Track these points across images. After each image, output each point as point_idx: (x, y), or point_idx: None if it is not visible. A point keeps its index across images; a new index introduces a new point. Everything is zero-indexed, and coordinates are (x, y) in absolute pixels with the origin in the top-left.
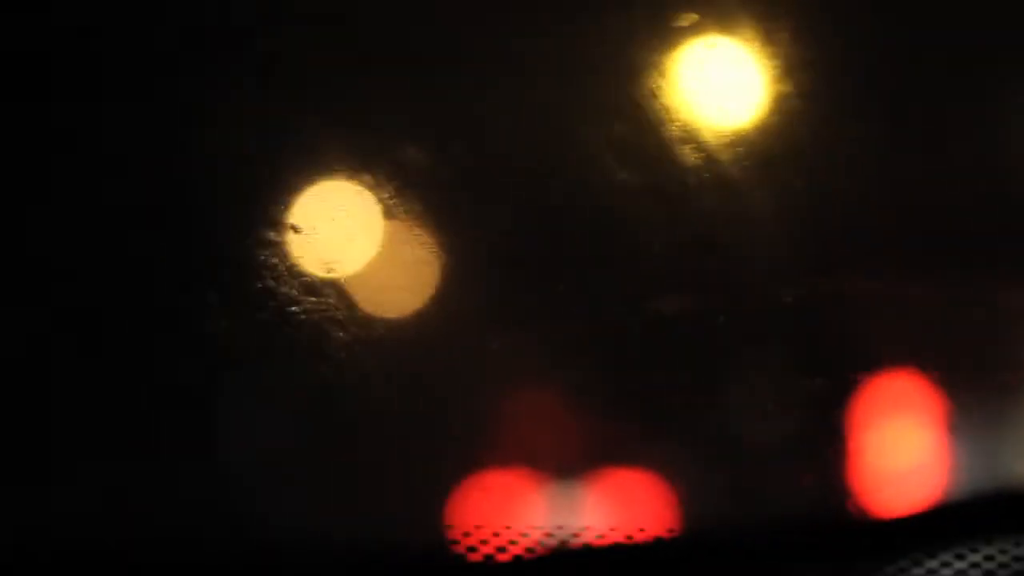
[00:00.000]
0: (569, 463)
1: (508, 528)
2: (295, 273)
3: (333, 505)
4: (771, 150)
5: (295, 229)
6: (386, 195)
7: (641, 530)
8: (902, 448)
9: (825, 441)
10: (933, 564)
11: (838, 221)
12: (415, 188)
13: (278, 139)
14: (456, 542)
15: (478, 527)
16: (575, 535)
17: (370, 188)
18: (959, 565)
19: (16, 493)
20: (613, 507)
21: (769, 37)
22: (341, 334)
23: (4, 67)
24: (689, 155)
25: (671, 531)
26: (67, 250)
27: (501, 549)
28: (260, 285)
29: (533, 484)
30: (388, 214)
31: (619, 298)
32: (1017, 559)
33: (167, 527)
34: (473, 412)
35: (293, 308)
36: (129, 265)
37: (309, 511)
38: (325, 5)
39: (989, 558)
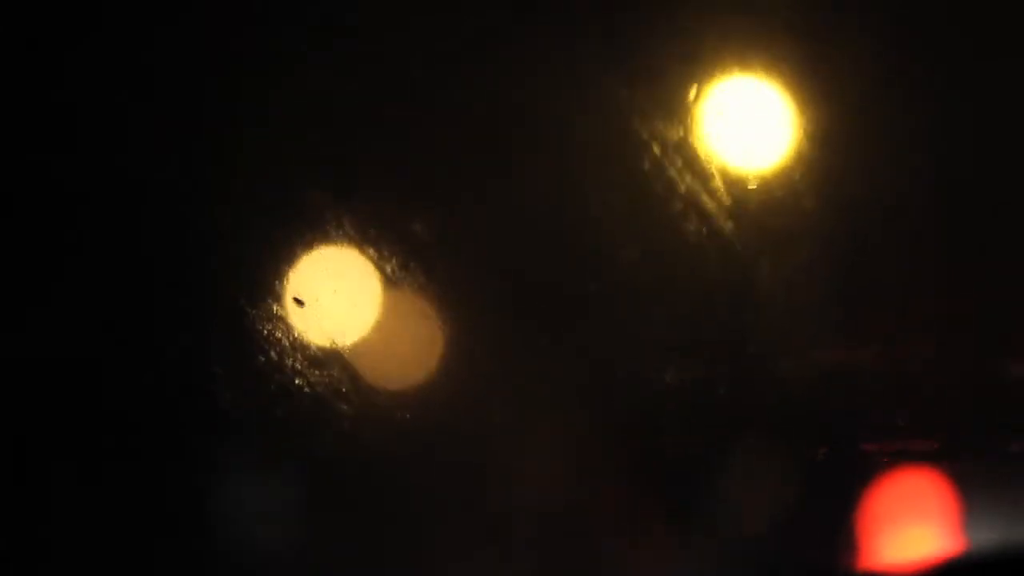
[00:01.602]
0: (571, 527)
1: None
2: (298, 345)
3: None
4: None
5: (298, 302)
6: (389, 267)
7: None
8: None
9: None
10: None
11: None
12: (418, 260)
13: (280, 211)
14: None
15: None
16: None
17: (372, 260)
18: None
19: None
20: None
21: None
22: (344, 406)
23: None
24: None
25: None
26: (74, 320)
27: None
28: (263, 358)
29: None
30: (391, 285)
31: (622, 369)
32: None
33: None
34: (476, 485)
35: (297, 380)
36: (133, 337)
37: None
38: (325, 76)
39: None
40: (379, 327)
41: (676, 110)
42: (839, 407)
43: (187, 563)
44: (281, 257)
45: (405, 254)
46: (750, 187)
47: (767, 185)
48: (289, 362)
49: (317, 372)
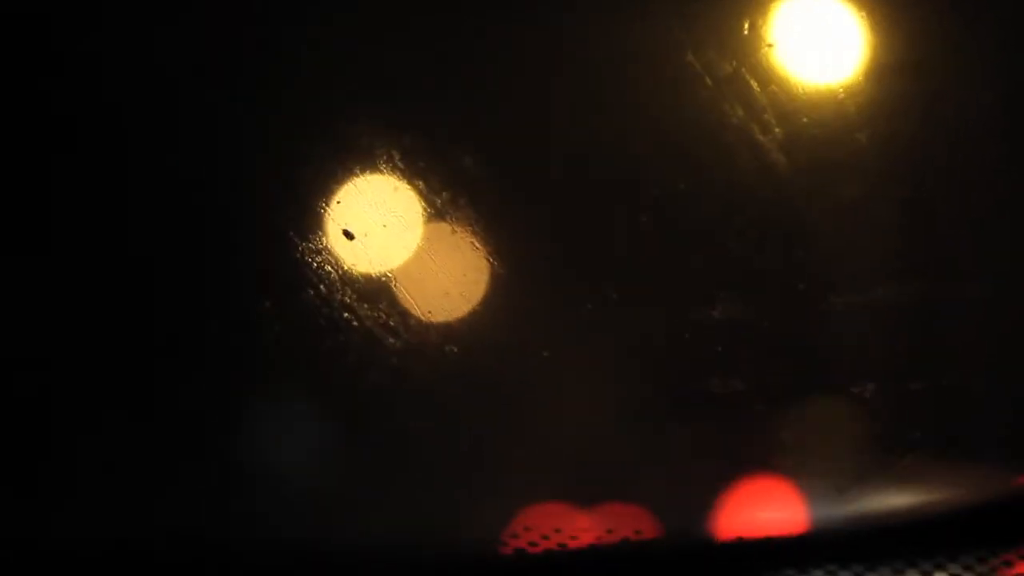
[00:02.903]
0: (620, 468)
1: (558, 531)
2: (347, 279)
3: (383, 510)
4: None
5: (347, 235)
6: (439, 200)
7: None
8: None
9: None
10: None
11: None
12: (468, 193)
13: (329, 144)
14: (506, 544)
15: (527, 528)
16: (623, 538)
17: (422, 193)
18: None
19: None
20: (665, 512)
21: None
22: (393, 340)
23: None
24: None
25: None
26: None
27: (550, 551)
28: (312, 291)
29: (584, 489)
30: (440, 219)
31: (677, 302)
32: None
33: (214, 537)
34: (525, 420)
35: (345, 314)
36: (180, 271)
37: (361, 518)
38: (376, 12)
39: None
40: (428, 261)
41: (729, 42)
42: (888, 344)
43: (232, 499)
44: (330, 190)
45: (455, 187)
46: (804, 120)
47: (821, 119)
48: (337, 296)
49: (366, 306)
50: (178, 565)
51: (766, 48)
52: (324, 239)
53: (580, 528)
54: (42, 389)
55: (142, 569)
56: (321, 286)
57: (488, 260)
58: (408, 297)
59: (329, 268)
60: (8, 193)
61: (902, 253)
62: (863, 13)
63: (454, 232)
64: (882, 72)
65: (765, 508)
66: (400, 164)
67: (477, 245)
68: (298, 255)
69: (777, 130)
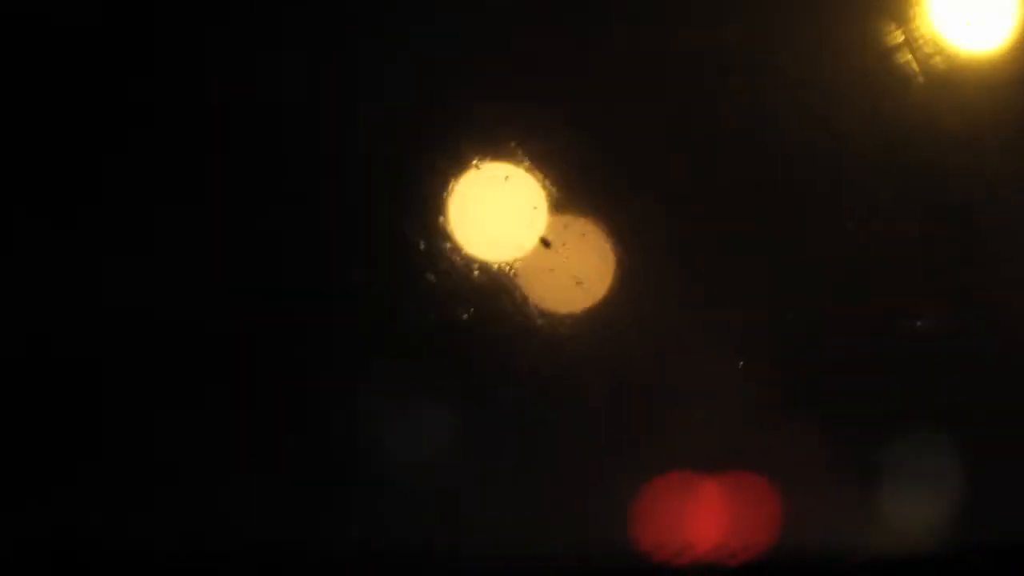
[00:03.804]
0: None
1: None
2: (465, 266)
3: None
4: None
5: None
6: (557, 190)
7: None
8: None
9: None
10: None
11: None
12: (586, 181)
13: (448, 131)
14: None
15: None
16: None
17: (541, 182)
18: None
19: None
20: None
21: None
22: (510, 329)
23: None
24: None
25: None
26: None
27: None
28: (431, 278)
29: (712, 490)
30: (559, 208)
31: (806, 293)
32: None
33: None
34: (640, 411)
35: (462, 302)
36: (302, 258)
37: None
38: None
39: None
40: (546, 250)
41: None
42: None
43: (343, 481)
44: (448, 179)
45: (573, 174)
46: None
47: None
48: (456, 283)
49: (483, 294)
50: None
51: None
52: (441, 226)
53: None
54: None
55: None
56: (438, 273)
57: (607, 248)
58: (525, 285)
59: (446, 255)
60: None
61: None
62: None
63: (572, 220)
64: None
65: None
66: (519, 153)
67: (595, 233)
68: (415, 243)
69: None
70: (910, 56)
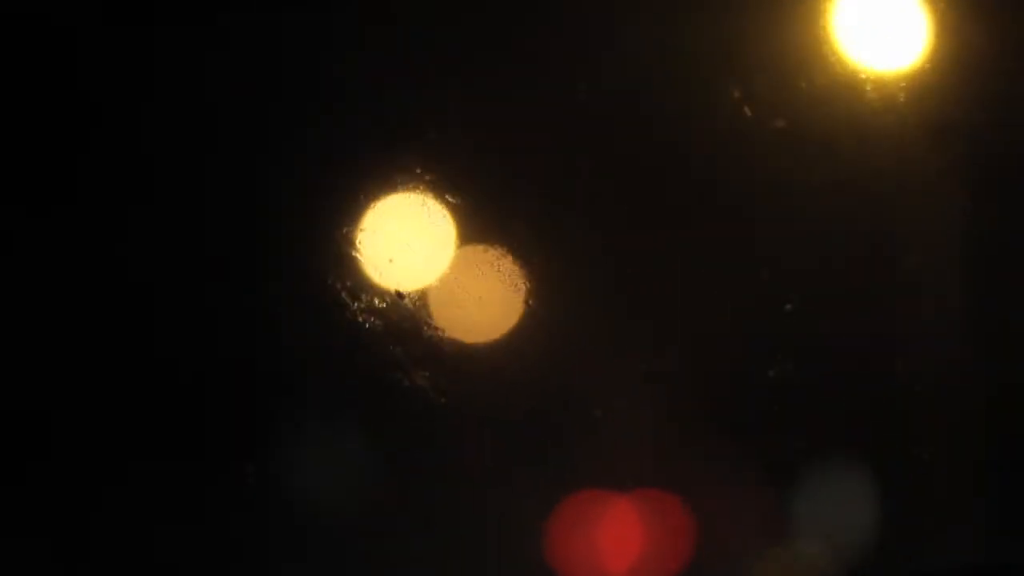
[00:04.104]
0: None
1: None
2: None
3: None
4: None
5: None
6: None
7: None
8: None
9: None
10: None
11: None
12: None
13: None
14: None
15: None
16: None
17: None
18: None
19: None
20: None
21: None
22: (425, 360)
23: None
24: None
25: None
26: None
27: None
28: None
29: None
30: (472, 239)
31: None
32: None
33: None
34: (558, 441)
35: (376, 333)
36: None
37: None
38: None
39: None
40: (454, 277)
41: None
42: None
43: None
44: (357, 214)
45: (480, 198)
46: None
47: None
48: (363, 310)
49: (396, 319)
50: None
51: None
52: (351, 265)
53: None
54: None
55: None
56: (350, 310)
57: (525, 282)
58: (441, 317)
59: (357, 292)
60: None
61: None
62: None
63: (490, 252)
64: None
65: None
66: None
67: (510, 264)
68: (324, 281)
69: None
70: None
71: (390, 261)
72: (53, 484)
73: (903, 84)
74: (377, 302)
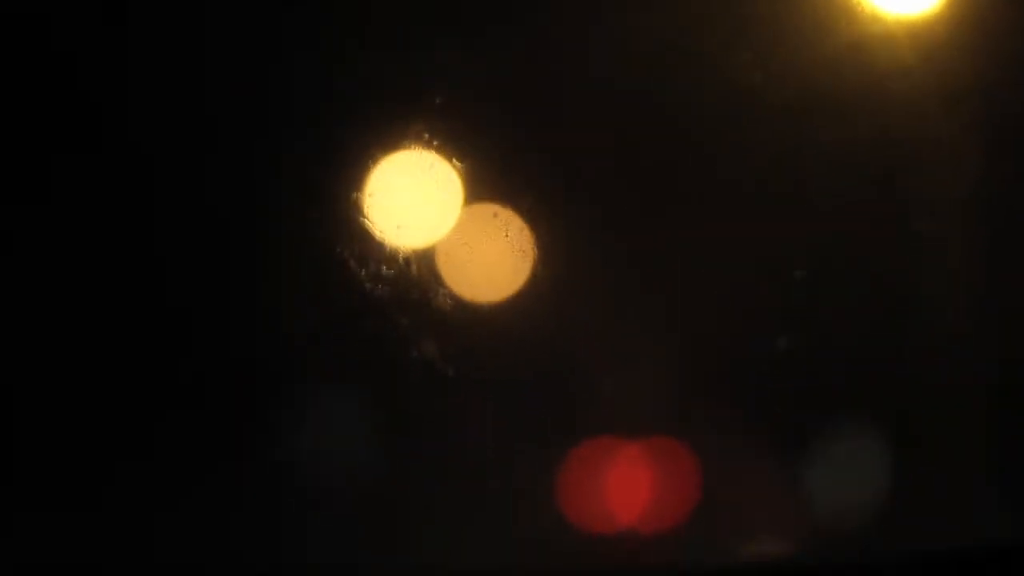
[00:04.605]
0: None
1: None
2: (384, 260)
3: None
4: None
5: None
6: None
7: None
8: None
9: None
10: None
11: None
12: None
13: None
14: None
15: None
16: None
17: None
18: None
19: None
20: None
21: None
22: (430, 319)
23: None
24: None
25: None
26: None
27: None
28: (353, 273)
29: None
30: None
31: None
32: None
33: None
34: (559, 405)
35: (381, 294)
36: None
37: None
38: None
39: None
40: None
41: None
42: None
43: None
44: (365, 167)
45: (489, 163)
46: None
47: None
48: (374, 276)
49: (403, 285)
50: None
51: None
52: (358, 231)
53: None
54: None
55: None
56: (357, 269)
57: (530, 242)
58: (447, 278)
59: (365, 251)
60: None
61: None
62: None
63: (496, 211)
64: None
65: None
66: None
67: (519, 227)
68: (332, 248)
69: None
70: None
71: (398, 227)
72: (57, 476)
73: (914, 50)
74: (385, 269)
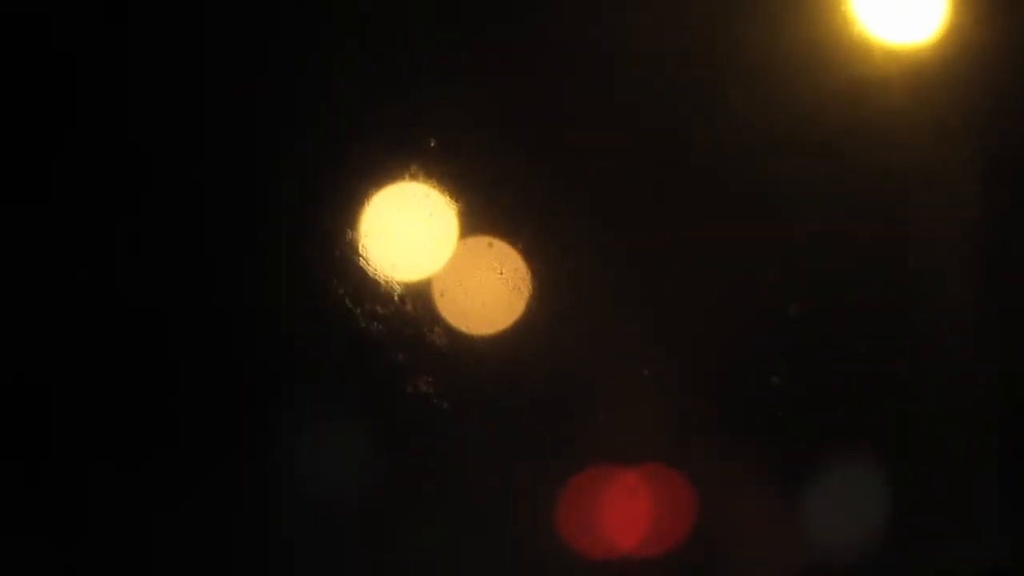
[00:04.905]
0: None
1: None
2: (379, 289)
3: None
4: None
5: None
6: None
7: None
8: None
9: None
10: None
11: None
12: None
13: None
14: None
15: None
16: None
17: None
18: None
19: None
20: None
21: None
22: (429, 348)
23: None
24: None
25: None
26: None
27: None
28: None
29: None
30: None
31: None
32: None
33: None
34: (559, 430)
35: (379, 324)
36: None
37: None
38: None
39: None
40: (457, 266)
41: None
42: None
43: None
44: (361, 197)
45: (489, 204)
46: None
47: None
48: (368, 306)
49: (399, 322)
50: None
51: None
52: (353, 269)
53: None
54: None
55: None
56: (351, 299)
57: (524, 276)
58: (444, 307)
59: (358, 281)
60: None
61: None
62: None
63: (489, 248)
64: None
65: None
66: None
67: (514, 261)
68: (327, 286)
69: None
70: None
71: (393, 265)
72: (57, 479)
73: (909, 79)
74: (380, 308)
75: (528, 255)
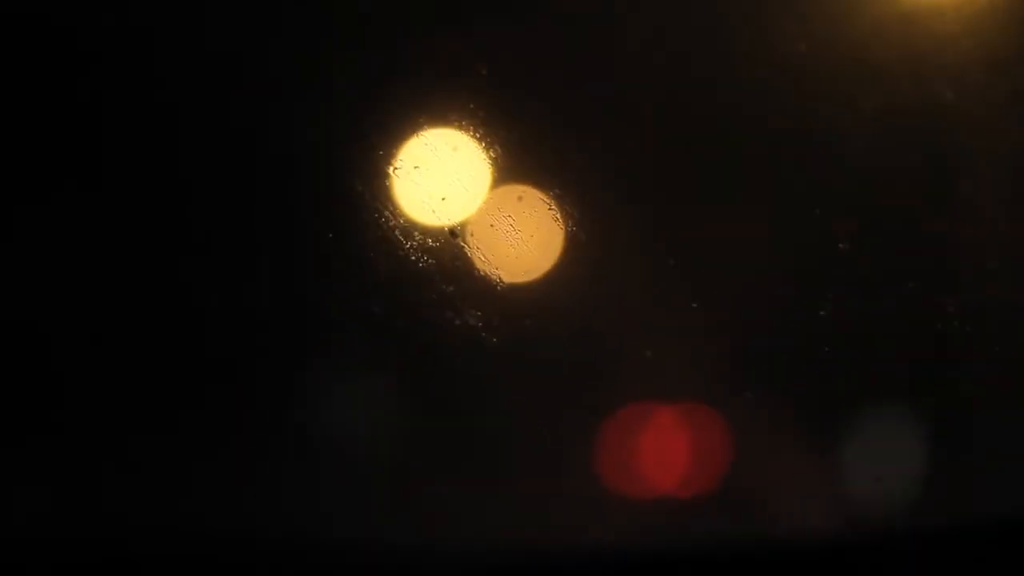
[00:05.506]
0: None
1: None
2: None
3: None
4: None
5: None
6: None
7: None
8: None
9: None
10: None
11: None
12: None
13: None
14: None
15: None
16: None
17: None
18: None
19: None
20: None
21: None
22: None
23: None
24: None
25: None
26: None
27: None
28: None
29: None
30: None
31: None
32: None
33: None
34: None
35: (422, 266)
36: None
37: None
38: None
39: None
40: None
41: None
42: None
43: (290, 469)
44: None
45: (518, 143)
46: None
47: None
48: (413, 252)
49: (451, 262)
50: None
51: None
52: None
53: None
54: None
55: None
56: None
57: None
58: (487, 254)
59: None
60: None
61: None
62: None
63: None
64: None
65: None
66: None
67: (561, 203)
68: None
69: None
70: None
71: (443, 199)
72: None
73: (960, 9)
74: (430, 241)
75: (575, 197)
